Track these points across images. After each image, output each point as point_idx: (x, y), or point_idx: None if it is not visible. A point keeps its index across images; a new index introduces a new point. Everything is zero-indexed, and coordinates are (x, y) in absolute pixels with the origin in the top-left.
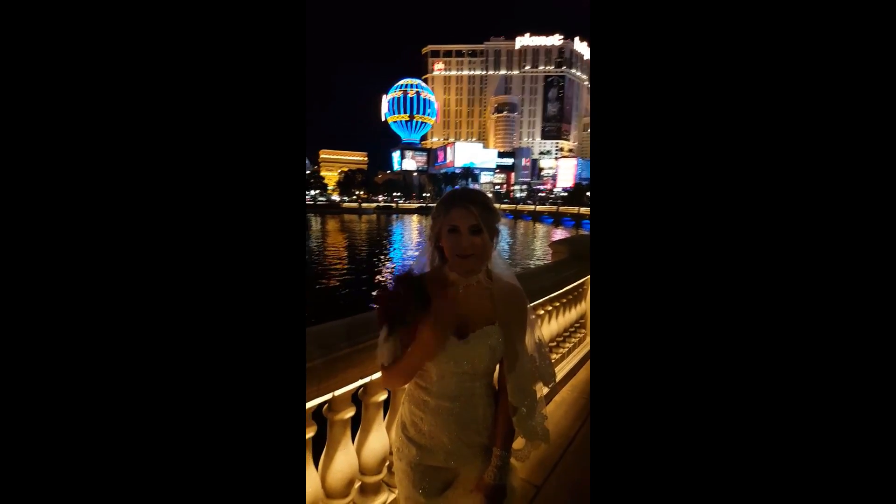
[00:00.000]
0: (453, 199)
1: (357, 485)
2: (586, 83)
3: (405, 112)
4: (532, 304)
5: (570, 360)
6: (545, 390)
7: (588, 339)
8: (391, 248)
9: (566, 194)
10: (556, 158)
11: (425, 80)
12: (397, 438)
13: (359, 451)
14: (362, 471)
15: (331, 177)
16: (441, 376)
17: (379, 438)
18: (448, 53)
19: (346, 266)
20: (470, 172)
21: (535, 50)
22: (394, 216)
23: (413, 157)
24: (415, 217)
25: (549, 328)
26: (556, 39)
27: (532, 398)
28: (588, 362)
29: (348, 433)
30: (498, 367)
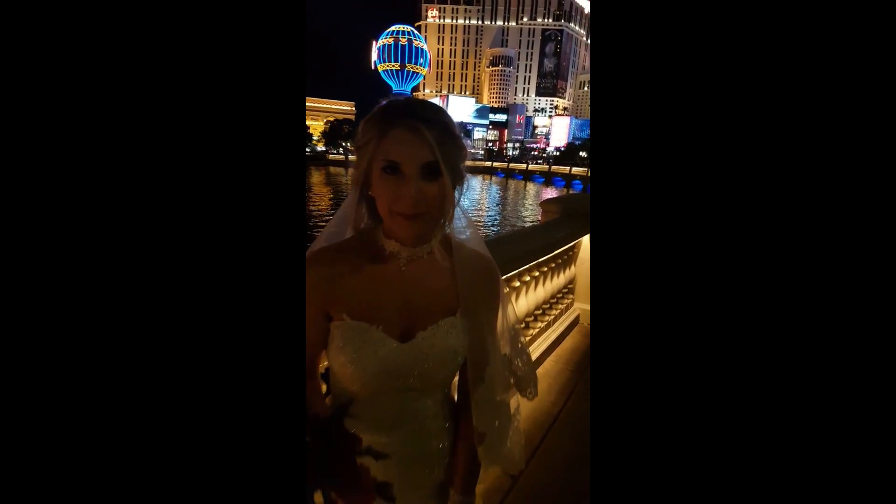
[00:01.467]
0: (393, 113)
1: None
2: (584, 39)
3: (396, 60)
4: (518, 271)
5: (556, 329)
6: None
7: (575, 304)
8: None
9: (558, 153)
10: (551, 117)
11: (418, 28)
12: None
13: None
14: None
15: (316, 126)
16: (373, 397)
17: None
18: (443, 0)
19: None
20: (463, 128)
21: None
22: None
23: None
24: None
25: (535, 295)
26: None
27: (504, 414)
28: (574, 329)
29: None
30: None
